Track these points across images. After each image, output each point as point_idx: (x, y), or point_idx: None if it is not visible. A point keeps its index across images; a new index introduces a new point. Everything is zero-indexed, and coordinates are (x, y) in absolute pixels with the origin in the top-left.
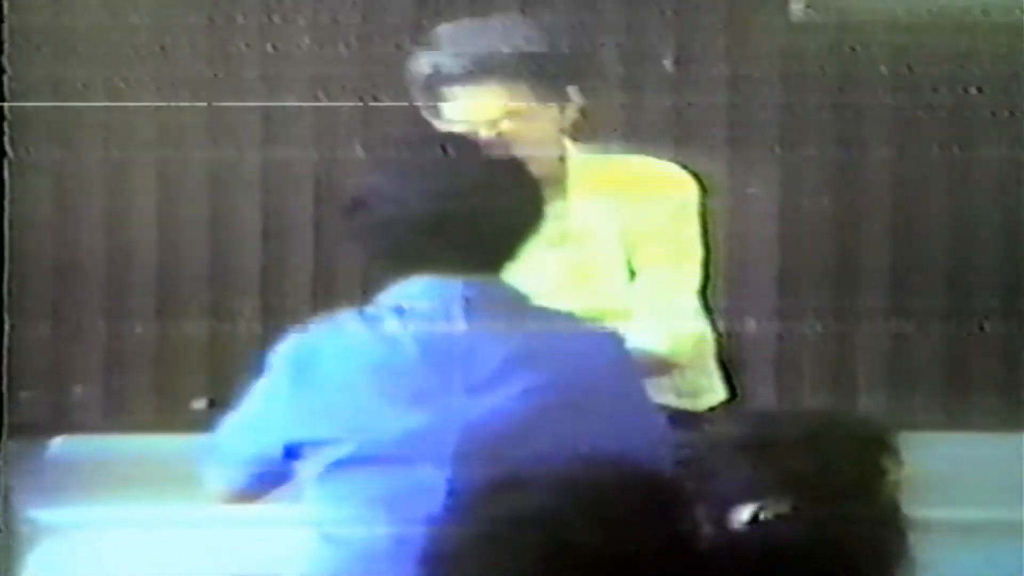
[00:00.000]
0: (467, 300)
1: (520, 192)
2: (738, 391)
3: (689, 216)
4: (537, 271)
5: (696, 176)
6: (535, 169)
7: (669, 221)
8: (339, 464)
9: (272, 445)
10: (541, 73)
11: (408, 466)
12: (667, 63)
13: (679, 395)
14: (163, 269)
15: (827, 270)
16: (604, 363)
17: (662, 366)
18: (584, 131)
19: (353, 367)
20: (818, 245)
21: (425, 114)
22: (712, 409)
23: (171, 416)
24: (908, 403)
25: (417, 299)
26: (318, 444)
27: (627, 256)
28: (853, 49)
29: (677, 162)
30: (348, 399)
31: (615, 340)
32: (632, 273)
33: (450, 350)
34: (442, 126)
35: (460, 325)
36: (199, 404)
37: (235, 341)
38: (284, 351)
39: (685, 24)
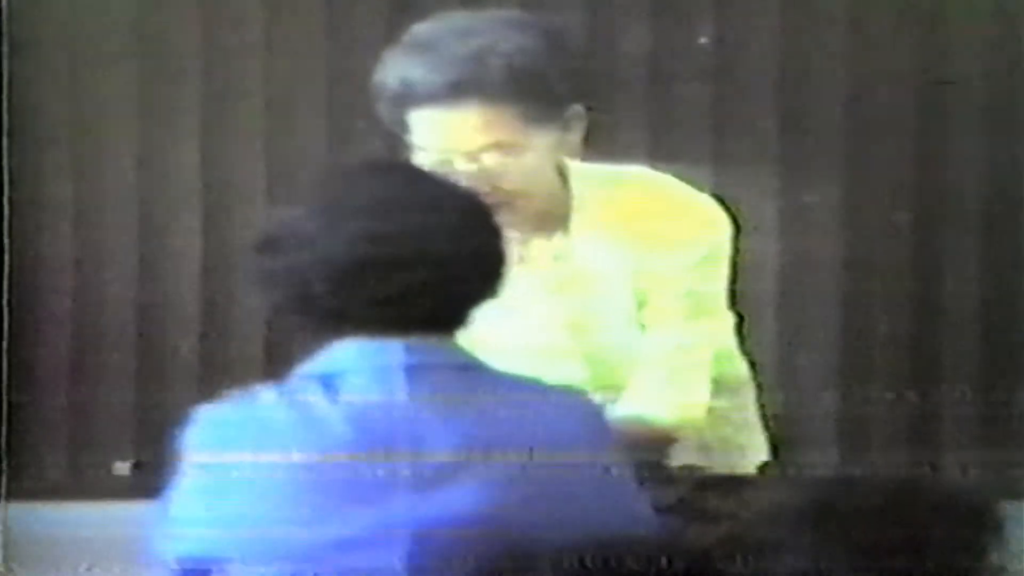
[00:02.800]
0: (410, 368)
1: (477, 233)
2: (782, 451)
3: (716, 265)
4: (528, 323)
5: (729, 208)
6: (527, 206)
7: (691, 270)
8: None
9: (188, 554)
10: (536, 93)
11: None
12: (704, 40)
13: (710, 456)
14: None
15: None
16: (579, 443)
17: (663, 439)
18: (592, 149)
19: (272, 457)
20: (889, 291)
21: (393, 129)
22: (762, 471)
23: (90, 481)
24: (1005, 469)
25: (348, 368)
26: (235, 560)
27: (638, 307)
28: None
29: (708, 190)
30: (267, 500)
31: (590, 413)
32: (642, 327)
33: (392, 432)
34: (415, 153)
35: (403, 400)
36: (122, 468)
37: (165, 397)
38: (193, 437)
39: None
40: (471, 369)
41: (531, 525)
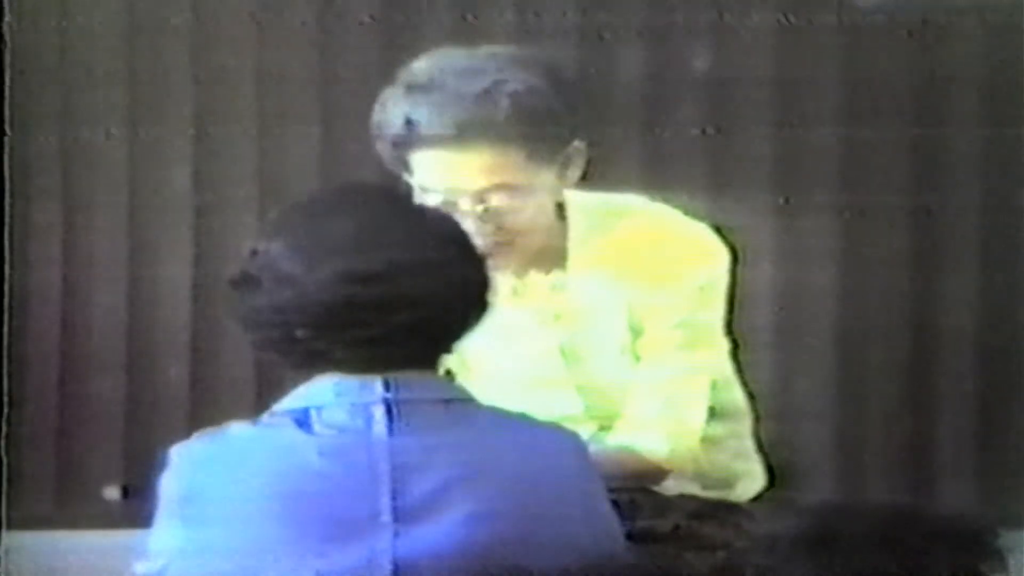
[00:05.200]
0: (390, 403)
1: (460, 264)
2: (778, 478)
3: (713, 295)
4: (523, 354)
5: (726, 238)
6: (529, 245)
7: (688, 301)
8: None
9: None
10: (541, 130)
11: None
12: (699, 63)
13: (705, 484)
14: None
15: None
16: (564, 478)
17: (655, 473)
18: (591, 181)
19: (250, 495)
20: (887, 315)
21: (393, 170)
22: (756, 500)
23: (78, 508)
24: (1002, 497)
25: (325, 403)
26: None
27: (633, 337)
28: None
29: (707, 220)
30: (246, 537)
31: (576, 449)
32: (637, 358)
33: (372, 467)
34: (417, 189)
35: (382, 435)
36: (111, 493)
37: (157, 418)
38: (168, 478)
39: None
40: (454, 402)
41: (513, 559)
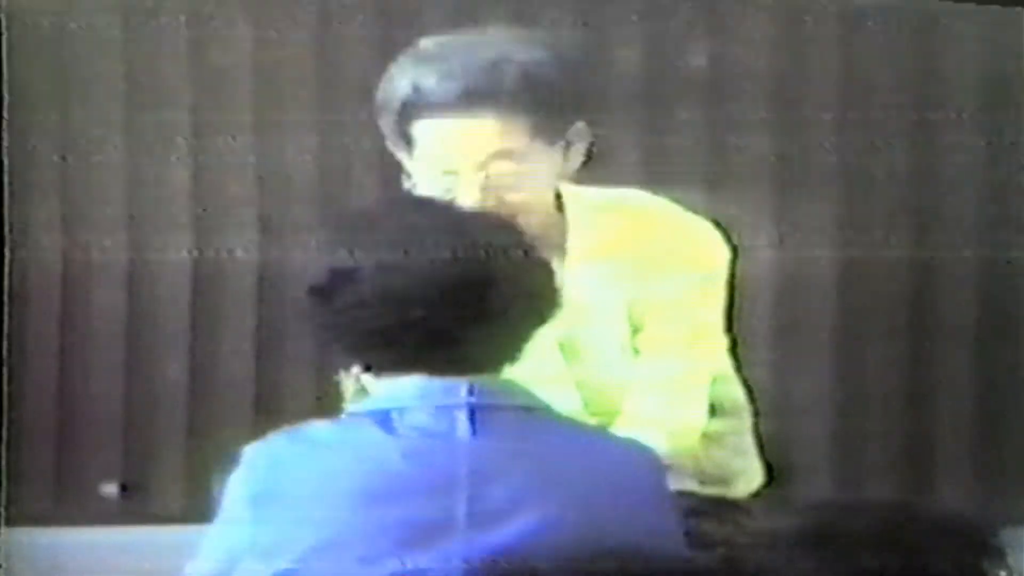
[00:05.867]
0: (472, 407)
1: (526, 270)
2: (776, 474)
3: (713, 290)
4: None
5: (728, 235)
6: (526, 225)
7: (687, 297)
8: None
9: None
10: (543, 107)
11: None
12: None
13: (704, 480)
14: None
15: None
16: (635, 493)
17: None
18: (591, 172)
19: (329, 495)
20: (886, 309)
21: (392, 148)
22: (755, 497)
23: (76, 505)
24: (1002, 494)
25: (407, 405)
26: None
27: (633, 333)
28: None
29: (708, 215)
30: (319, 538)
31: (650, 464)
32: (637, 352)
33: (453, 472)
34: (412, 166)
35: (465, 439)
36: (109, 489)
37: (155, 415)
38: (240, 477)
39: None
40: (534, 410)
41: (579, 569)
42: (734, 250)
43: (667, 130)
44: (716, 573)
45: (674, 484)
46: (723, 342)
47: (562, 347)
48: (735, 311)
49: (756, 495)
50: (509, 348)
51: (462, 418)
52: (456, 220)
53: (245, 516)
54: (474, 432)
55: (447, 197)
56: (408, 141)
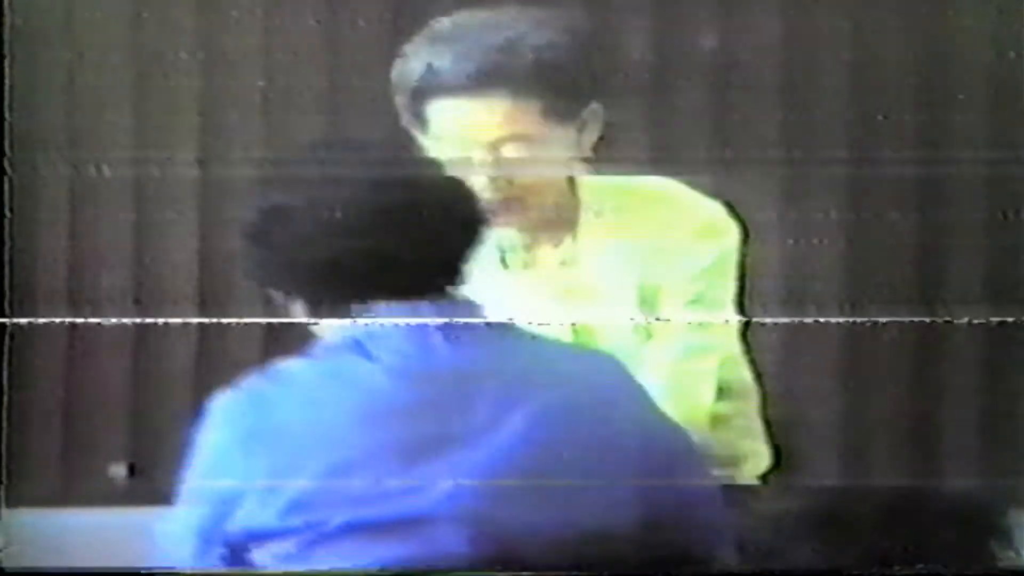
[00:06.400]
0: (445, 327)
1: (445, 190)
2: (785, 457)
3: (724, 271)
4: (534, 327)
5: (739, 216)
6: (538, 206)
7: (699, 277)
8: (329, 536)
9: (231, 530)
10: (560, 86)
11: (416, 529)
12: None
13: (711, 463)
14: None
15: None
16: (609, 384)
17: None
18: (604, 156)
19: (322, 422)
20: (900, 286)
21: (408, 127)
22: (764, 479)
23: (82, 486)
24: (1009, 477)
25: (382, 331)
26: (287, 530)
27: (644, 314)
28: None
29: (719, 197)
30: (324, 463)
31: (614, 363)
32: (648, 334)
33: (439, 388)
34: (427, 145)
35: (444, 356)
36: (117, 471)
37: (164, 396)
38: (221, 422)
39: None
40: (497, 326)
41: (581, 457)
42: (745, 231)
43: (678, 112)
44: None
45: None
46: (733, 322)
47: (575, 329)
48: (745, 294)
49: (763, 478)
50: (448, 269)
51: (438, 336)
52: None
53: (236, 460)
54: (451, 348)
55: (459, 177)
56: (422, 121)
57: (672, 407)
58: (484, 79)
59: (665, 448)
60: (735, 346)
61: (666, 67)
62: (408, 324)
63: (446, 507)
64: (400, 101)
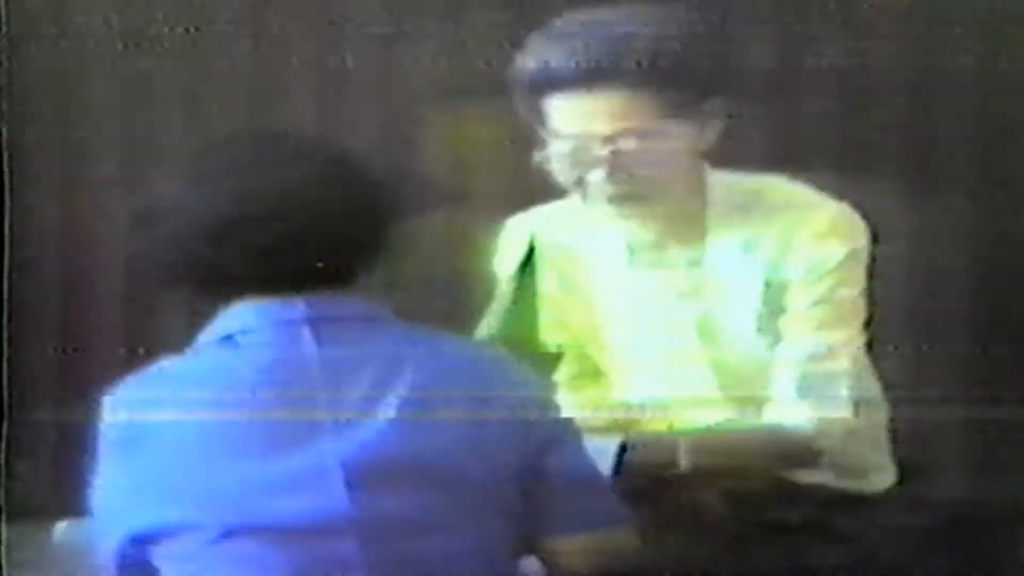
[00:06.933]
0: (312, 320)
1: (352, 191)
2: (910, 472)
3: (854, 272)
4: (660, 326)
5: (868, 219)
6: (662, 202)
7: (829, 276)
8: (215, 542)
9: (119, 535)
10: (675, 82)
11: (303, 532)
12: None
13: (840, 473)
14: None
15: None
16: (482, 384)
17: (806, 452)
18: (728, 155)
19: (191, 422)
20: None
21: (529, 119)
22: (887, 494)
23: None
24: None
25: (249, 327)
26: (172, 528)
27: (772, 315)
28: None
29: (847, 199)
30: (191, 465)
31: (493, 358)
32: (776, 337)
33: (307, 379)
34: (548, 137)
35: (312, 348)
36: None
37: None
38: (106, 423)
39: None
40: (375, 319)
41: (445, 460)
42: (874, 234)
43: (801, 112)
44: (848, 568)
45: (808, 477)
46: (862, 318)
47: (699, 327)
48: (871, 307)
49: (889, 492)
50: (343, 266)
51: (305, 331)
52: (283, 147)
53: (117, 463)
54: (319, 343)
55: (578, 172)
56: (540, 116)
57: (808, 407)
58: (598, 74)
59: (542, 434)
60: (863, 356)
61: (787, 65)
62: (279, 319)
63: (319, 498)
64: (519, 98)
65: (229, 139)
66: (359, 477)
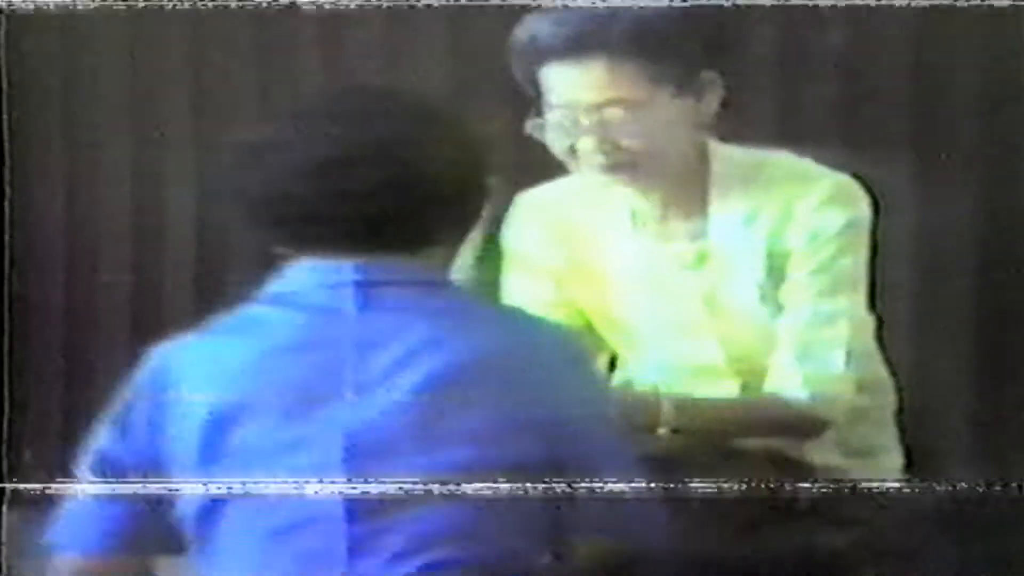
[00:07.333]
0: (359, 284)
1: (433, 152)
2: (918, 459)
3: (855, 240)
4: (666, 298)
5: (871, 190)
6: (655, 172)
7: (828, 243)
8: (215, 506)
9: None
10: (659, 53)
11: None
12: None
13: (847, 453)
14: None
15: None
16: (539, 343)
17: (809, 423)
18: (730, 127)
19: (224, 372)
20: None
21: (526, 89)
22: (895, 480)
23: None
24: None
25: (299, 287)
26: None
27: (774, 285)
28: None
29: (849, 171)
30: (215, 416)
31: (565, 332)
32: (780, 307)
33: (339, 344)
34: (542, 106)
35: (351, 313)
36: None
37: None
38: (148, 372)
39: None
40: (430, 284)
41: (478, 416)
42: (876, 205)
43: (797, 87)
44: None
45: (817, 457)
46: (863, 290)
47: (705, 300)
48: (878, 289)
49: (897, 479)
50: (410, 232)
51: (348, 294)
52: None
53: (162, 417)
54: (361, 306)
55: (569, 142)
56: (535, 87)
57: (803, 375)
58: (580, 44)
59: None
60: (870, 341)
61: (784, 38)
62: (326, 281)
63: (321, 459)
64: (515, 68)
65: (340, 91)
66: (358, 450)
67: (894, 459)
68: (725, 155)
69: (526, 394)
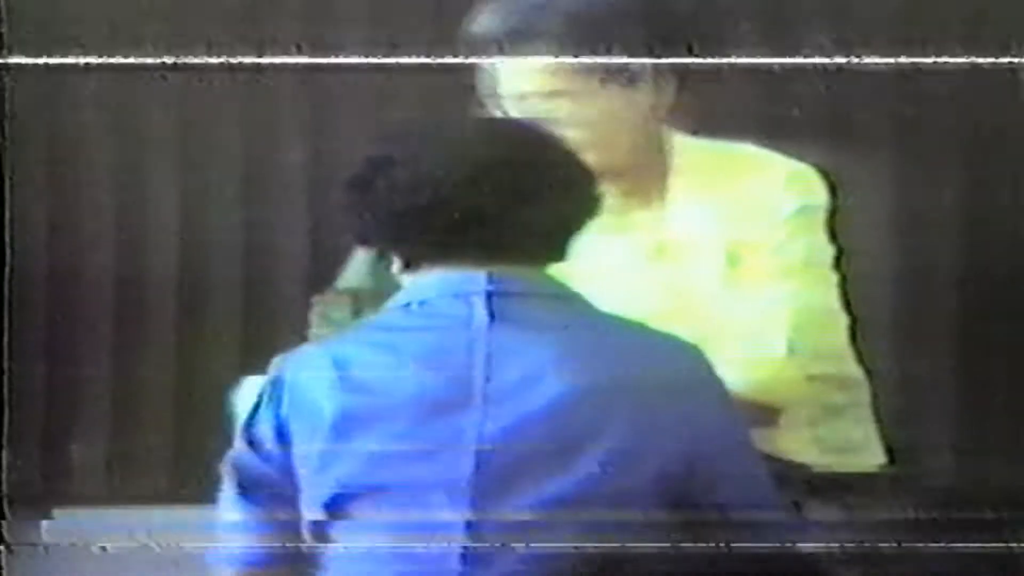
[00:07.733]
0: (492, 296)
1: (559, 165)
2: (898, 458)
3: (807, 226)
4: (628, 290)
5: (828, 177)
6: (605, 161)
7: (777, 230)
8: (340, 504)
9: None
10: (596, 44)
11: (417, 502)
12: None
13: (823, 449)
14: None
15: None
16: (673, 368)
17: (749, 409)
18: (688, 117)
19: (346, 384)
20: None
21: (482, 82)
22: (876, 479)
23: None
24: None
25: (429, 296)
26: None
27: (733, 273)
28: None
29: (808, 160)
30: (343, 424)
31: (692, 350)
32: (735, 290)
33: (469, 353)
34: (496, 99)
35: (482, 323)
36: None
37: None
38: (270, 390)
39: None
40: (559, 297)
41: (607, 436)
42: (832, 189)
43: (730, 76)
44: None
45: (792, 454)
46: (821, 279)
47: (667, 287)
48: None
49: (877, 477)
50: (540, 244)
51: (479, 304)
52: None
53: (266, 417)
54: (492, 318)
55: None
56: (492, 80)
57: (740, 360)
58: (518, 37)
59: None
60: (842, 338)
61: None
62: (458, 291)
63: (446, 472)
64: (467, 55)
65: (449, 120)
66: (488, 467)
67: (874, 456)
68: (685, 146)
69: (659, 413)
